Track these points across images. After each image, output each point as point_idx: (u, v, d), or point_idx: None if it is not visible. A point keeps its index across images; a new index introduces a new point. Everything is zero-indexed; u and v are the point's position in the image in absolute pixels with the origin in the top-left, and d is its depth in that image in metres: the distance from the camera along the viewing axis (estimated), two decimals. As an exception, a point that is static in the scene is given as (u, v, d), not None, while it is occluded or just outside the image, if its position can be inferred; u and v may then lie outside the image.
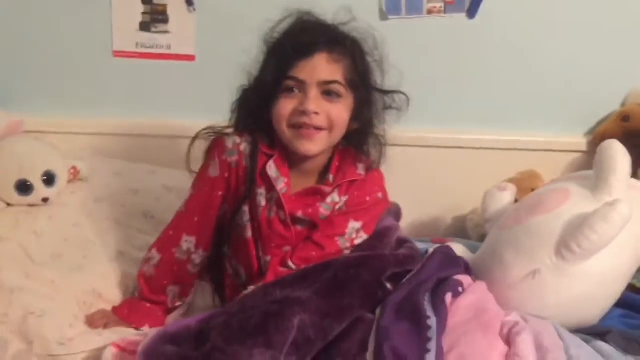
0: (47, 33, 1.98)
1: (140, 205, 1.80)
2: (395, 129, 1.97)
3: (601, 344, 1.24)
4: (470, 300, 1.26)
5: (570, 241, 1.28)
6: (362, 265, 1.30)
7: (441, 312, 1.18)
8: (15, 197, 1.71)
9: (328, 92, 1.32)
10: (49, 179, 1.73)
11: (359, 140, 1.44)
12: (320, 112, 1.31)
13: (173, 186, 1.85)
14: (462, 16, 2.00)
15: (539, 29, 2.00)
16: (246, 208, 1.39)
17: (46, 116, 2.01)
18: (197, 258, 1.44)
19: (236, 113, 1.43)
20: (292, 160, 1.40)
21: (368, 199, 1.43)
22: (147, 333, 1.30)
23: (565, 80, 2.05)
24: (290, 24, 1.38)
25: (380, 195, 1.46)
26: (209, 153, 1.43)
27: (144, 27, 1.96)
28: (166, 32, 1.97)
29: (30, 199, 1.72)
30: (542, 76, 2.05)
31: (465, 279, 1.35)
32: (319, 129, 1.33)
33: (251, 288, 1.32)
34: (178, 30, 1.97)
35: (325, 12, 1.39)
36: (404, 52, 1.97)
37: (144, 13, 1.95)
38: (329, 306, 1.20)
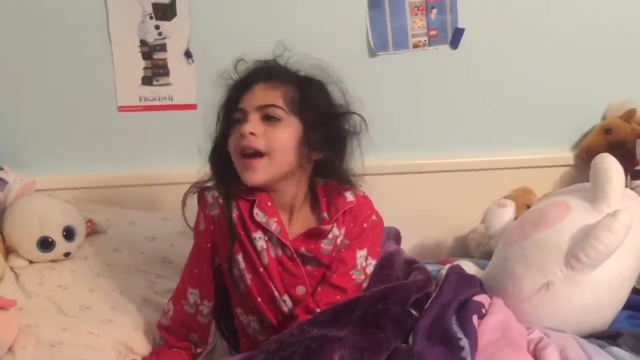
0: (52, 94, 2.05)
1: (158, 251, 1.86)
2: (391, 158, 2.09)
3: (616, 350, 1.31)
4: (494, 320, 1.31)
5: (578, 252, 1.36)
6: (387, 298, 1.33)
7: (471, 333, 1.22)
8: (38, 254, 1.76)
9: (267, 116, 1.35)
10: (69, 234, 1.79)
11: (333, 171, 1.44)
12: (257, 133, 1.33)
13: (186, 231, 1.90)
14: (446, 47, 2.11)
15: (518, 53, 2.13)
16: (239, 257, 1.40)
17: (56, 174, 2.07)
18: (204, 309, 1.48)
19: (210, 164, 1.45)
20: (275, 200, 1.41)
21: (365, 225, 1.44)
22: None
23: (547, 99, 2.17)
24: (237, 67, 1.45)
25: (374, 217, 1.47)
26: (198, 207, 1.48)
27: (146, 81, 2.04)
28: (168, 84, 2.05)
29: (52, 254, 1.77)
30: (525, 97, 2.17)
31: (484, 299, 1.40)
32: (259, 155, 1.34)
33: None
34: (179, 81, 2.05)
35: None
36: (395, 85, 2.11)
37: (145, 68, 2.03)
38: (366, 341, 1.23)
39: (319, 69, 1.42)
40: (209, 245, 1.45)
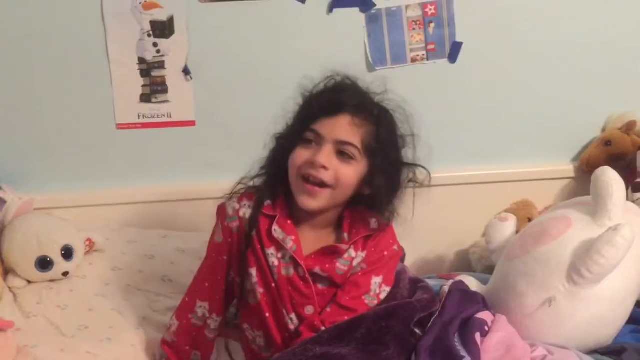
0: (51, 112, 2.03)
1: (157, 269, 1.85)
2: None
3: (621, 365, 1.30)
4: (497, 338, 1.31)
5: (581, 267, 1.35)
6: (392, 316, 1.33)
7: (474, 351, 1.22)
8: (36, 274, 1.75)
9: (342, 152, 1.35)
10: (68, 253, 1.78)
11: (370, 205, 1.44)
12: (329, 167, 1.33)
13: (186, 248, 1.91)
14: (444, 61, 2.10)
15: (517, 66, 2.11)
16: (253, 271, 1.41)
17: (55, 192, 2.05)
18: (212, 323, 1.47)
19: (266, 160, 1.46)
20: (301, 216, 1.42)
21: (386, 253, 1.44)
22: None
23: (547, 111, 2.15)
24: (326, 83, 1.42)
25: (395, 247, 1.48)
26: (216, 219, 1.48)
27: (145, 98, 2.03)
28: (166, 101, 2.04)
29: (50, 274, 1.76)
30: (525, 110, 2.15)
31: (487, 316, 1.39)
32: (322, 185, 1.34)
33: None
34: (177, 98, 2.04)
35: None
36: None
37: (143, 85, 2.02)
38: (370, 359, 1.23)
39: (403, 112, 1.44)
40: (225, 257, 1.44)
